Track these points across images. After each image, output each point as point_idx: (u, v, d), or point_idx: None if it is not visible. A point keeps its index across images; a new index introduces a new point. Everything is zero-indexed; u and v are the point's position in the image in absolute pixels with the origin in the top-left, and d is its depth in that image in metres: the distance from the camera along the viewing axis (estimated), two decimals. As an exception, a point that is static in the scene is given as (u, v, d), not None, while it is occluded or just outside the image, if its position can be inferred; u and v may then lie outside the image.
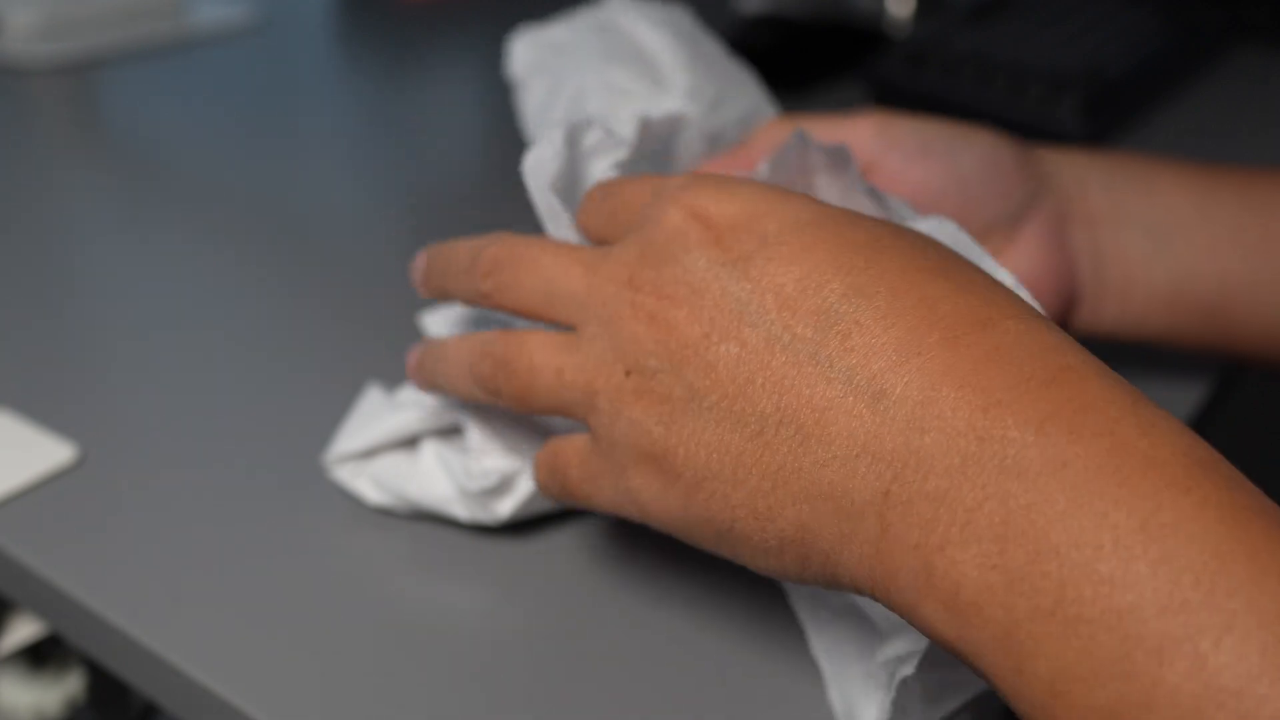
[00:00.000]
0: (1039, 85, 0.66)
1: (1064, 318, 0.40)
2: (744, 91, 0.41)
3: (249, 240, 0.55)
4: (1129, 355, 0.47)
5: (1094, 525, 0.21)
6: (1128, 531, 0.20)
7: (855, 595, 0.29)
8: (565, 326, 0.30)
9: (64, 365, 0.45)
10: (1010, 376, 0.23)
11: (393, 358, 0.45)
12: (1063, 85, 0.66)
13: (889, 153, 0.37)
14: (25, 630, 0.43)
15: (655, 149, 0.36)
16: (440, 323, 0.38)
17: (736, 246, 0.27)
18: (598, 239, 0.31)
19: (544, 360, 0.29)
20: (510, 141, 0.69)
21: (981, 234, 0.38)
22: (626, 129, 0.35)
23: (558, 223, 0.33)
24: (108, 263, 0.53)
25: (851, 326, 0.24)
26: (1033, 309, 0.25)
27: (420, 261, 0.35)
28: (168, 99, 0.72)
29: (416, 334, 0.47)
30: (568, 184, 0.34)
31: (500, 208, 0.59)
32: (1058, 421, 0.22)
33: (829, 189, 0.35)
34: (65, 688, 0.47)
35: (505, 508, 0.35)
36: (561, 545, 0.36)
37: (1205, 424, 0.47)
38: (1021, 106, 0.66)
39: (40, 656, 0.47)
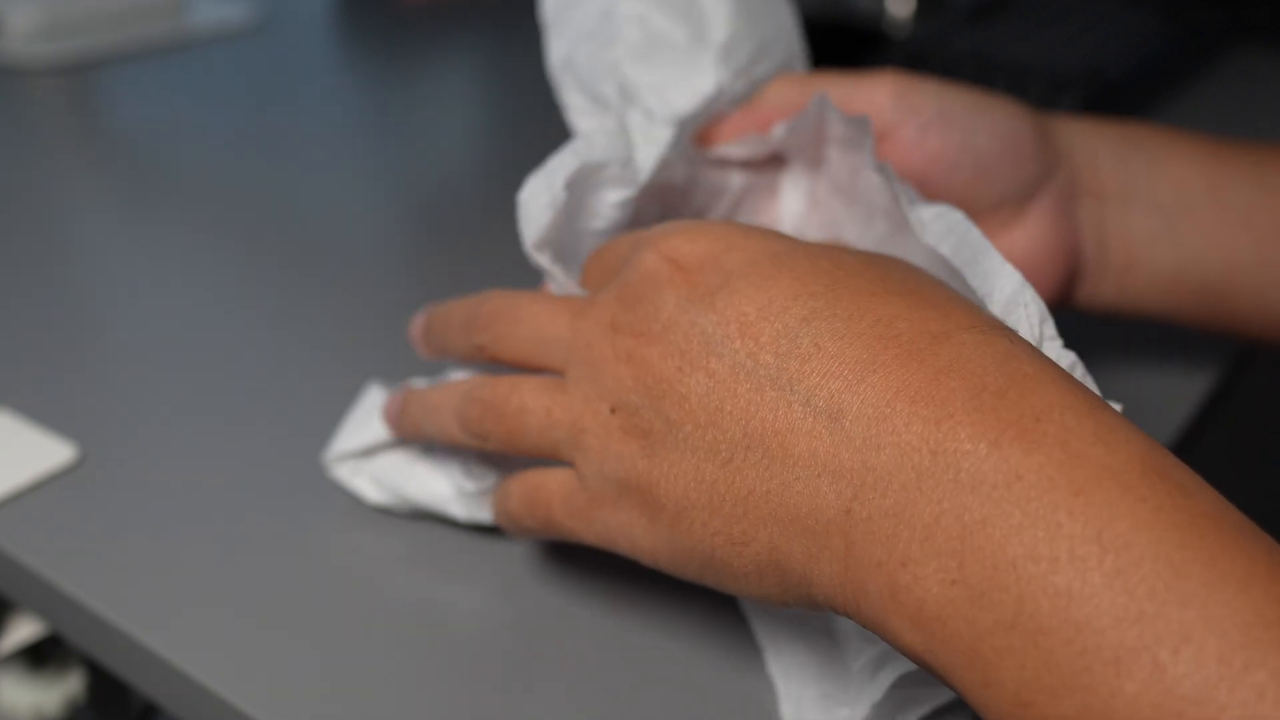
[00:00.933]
0: (1039, 85, 0.66)
1: (1064, 294, 0.40)
2: (783, 37, 0.39)
3: (249, 240, 0.55)
4: (1130, 353, 0.47)
5: (1049, 537, 0.21)
6: (1082, 542, 0.20)
7: (832, 616, 0.29)
8: (555, 373, 0.31)
9: (64, 365, 0.45)
10: (965, 389, 0.23)
11: (392, 358, 0.45)
12: (1063, 85, 0.66)
13: (905, 121, 0.37)
14: (25, 630, 0.43)
15: (684, 125, 0.35)
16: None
17: (704, 282, 0.27)
18: (592, 292, 0.32)
19: (533, 401, 0.30)
20: (510, 141, 0.69)
21: (993, 208, 0.38)
22: (650, 151, 0.34)
23: (551, 278, 0.33)
24: (108, 262, 0.53)
25: (810, 349, 0.25)
26: (992, 319, 0.25)
27: (419, 321, 0.36)
28: (167, 99, 0.72)
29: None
30: (567, 217, 0.33)
31: (500, 208, 0.59)
32: (1012, 432, 0.22)
33: (840, 162, 0.35)
34: (65, 688, 0.47)
35: None
36: (557, 546, 0.36)
37: (1208, 421, 0.47)
38: (1042, 96, 0.66)
39: (40, 656, 0.47)
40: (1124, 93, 0.69)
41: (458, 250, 0.55)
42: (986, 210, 0.38)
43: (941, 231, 0.30)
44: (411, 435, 0.35)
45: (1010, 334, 0.25)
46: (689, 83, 0.36)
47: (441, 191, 0.62)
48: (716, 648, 0.33)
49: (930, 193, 0.37)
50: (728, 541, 0.26)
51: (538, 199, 0.33)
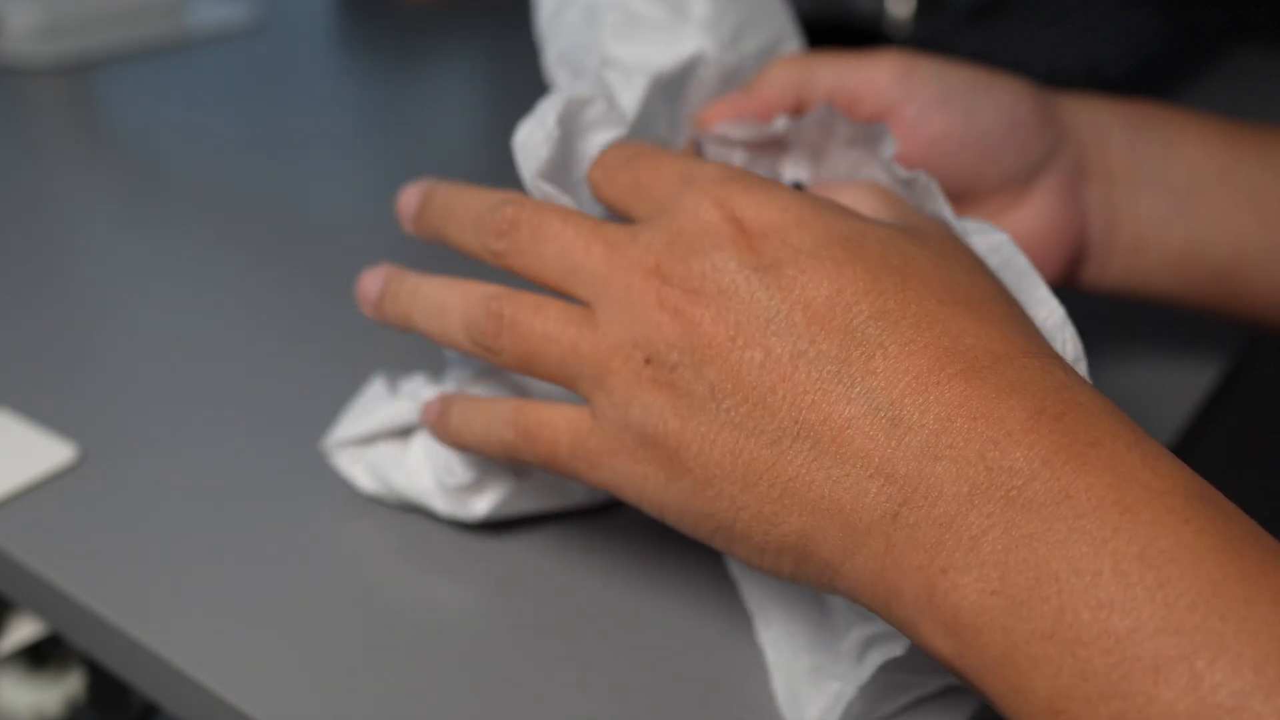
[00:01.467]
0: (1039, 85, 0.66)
1: (1069, 274, 0.40)
2: (769, 17, 0.39)
3: (249, 240, 0.55)
4: (1131, 352, 0.47)
5: (1093, 552, 0.21)
6: (1127, 558, 0.21)
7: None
8: (578, 301, 0.29)
9: (64, 365, 0.45)
10: (1023, 411, 0.23)
11: (390, 358, 0.45)
12: (1063, 85, 0.66)
13: (907, 101, 0.36)
14: (25, 630, 0.43)
15: (667, 87, 0.36)
16: None
17: (769, 253, 0.26)
18: (612, 206, 0.31)
19: (559, 330, 0.29)
20: (510, 141, 0.69)
21: (997, 188, 0.38)
22: (630, 96, 0.34)
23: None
24: (108, 262, 0.53)
25: (876, 349, 0.25)
26: (1048, 347, 0.26)
27: (412, 196, 0.34)
28: (167, 99, 0.72)
29: (415, 335, 0.47)
30: (561, 161, 0.33)
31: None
32: (1065, 454, 0.23)
33: (841, 157, 0.35)
34: (65, 688, 0.47)
35: (481, 506, 0.35)
36: (550, 542, 0.36)
37: (1208, 420, 0.47)
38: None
39: (40, 656, 0.47)
40: (1124, 93, 0.69)
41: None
42: (990, 190, 0.38)
43: (984, 250, 0.30)
44: (397, 319, 0.34)
45: (1065, 364, 0.26)
46: (668, 49, 0.36)
47: (441, 191, 0.62)
48: (712, 644, 0.33)
49: (932, 173, 0.36)
50: (754, 518, 0.26)
51: (533, 138, 0.32)
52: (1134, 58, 0.71)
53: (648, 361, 0.27)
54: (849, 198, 0.31)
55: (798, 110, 0.37)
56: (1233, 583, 0.20)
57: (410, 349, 0.46)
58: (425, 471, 0.36)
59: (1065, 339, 0.28)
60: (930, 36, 0.72)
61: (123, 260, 0.53)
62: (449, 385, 0.36)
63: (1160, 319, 0.50)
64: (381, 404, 0.37)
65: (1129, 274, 0.40)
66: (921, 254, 0.27)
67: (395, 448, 0.37)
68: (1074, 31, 0.74)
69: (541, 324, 0.29)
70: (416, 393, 0.37)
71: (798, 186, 0.32)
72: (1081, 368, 0.27)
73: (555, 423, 0.30)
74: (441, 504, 0.35)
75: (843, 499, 0.24)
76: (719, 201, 0.27)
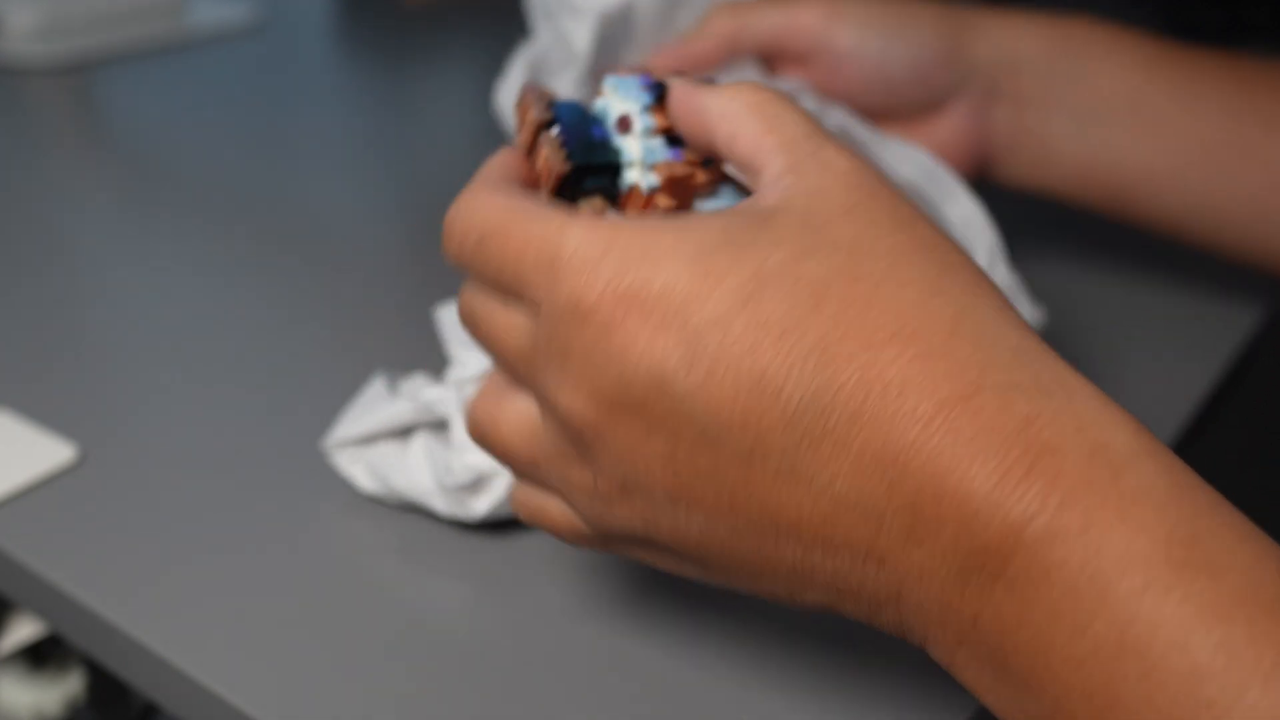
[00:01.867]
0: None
1: (976, 174, 0.46)
2: None
3: (249, 239, 0.55)
4: (1130, 351, 0.47)
5: (1074, 638, 0.20)
6: (1108, 644, 0.20)
7: None
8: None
9: (64, 365, 0.45)
10: (987, 477, 0.21)
11: (390, 358, 0.45)
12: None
13: (826, 49, 0.42)
14: (25, 630, 0.43)
15: (614, 33, 0.37)
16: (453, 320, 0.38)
17: (673, 336, 0.23)
18: (479, 276, 0.27)
19: (516, 445, 0.28)
20: (509, 140, 0.69)
21: (903, 117, 0.45)
22: (581, 36, 0.37)
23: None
24: (107, 262, 0.53)
25: (821, 438, 0.22)
26: (1001, 349, 0.23)
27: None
28: (167, 99, 0.72)
29: (415, 335, 0.47)
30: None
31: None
32: (1036, 527, 0.21)
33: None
34: (65, 688, 0.47)
35: (481, 506, 0.35)
36: (550, 542, 0.36)
37: (1208, 420, 0.47)
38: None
39: (40, 656, 0.47)
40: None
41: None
42: (904, 116, 0.44)
43: (899, 159, 0.34)
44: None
45: (1024, 373, 0.22)
46: None
47: (441, 190, 0.62)
48: (711, 645, 0.33)
49: (854, 105, 0.43)
50: (774, 594, 0.25)
51: (509, 96, 0.35)
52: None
53: (597, 479, 0.25)
54: (725, 98, 0.27)
55: (733, 55, 0.43)
56: (1221, 663, 0.19)
57: (410, 349, 0.46)
58: (425, 471, 0.36)
59: (976, 233, 0.28)
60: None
61: (123, 260, 0.53)
62: (449, 385, 0.36)
63: (1158, 319, 0.50)
64: (381, 404, 0.37)
65: (1031, 181, 0.46)
66: (833, 277, 0.23)
67: (395, 448, 0.37)
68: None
69: (499, 439, 0.28)
70: (416, 393, 0.37)
71: (660, 86, 0.30)
72: (999, 253, 0.28)
73: (550, 514, 0.29)
74: (441, 504, 0.35)
75: (848, 582, 0.23)
76: (592, 278, 0.24)
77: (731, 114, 0.27)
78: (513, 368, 0.27)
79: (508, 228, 0.25)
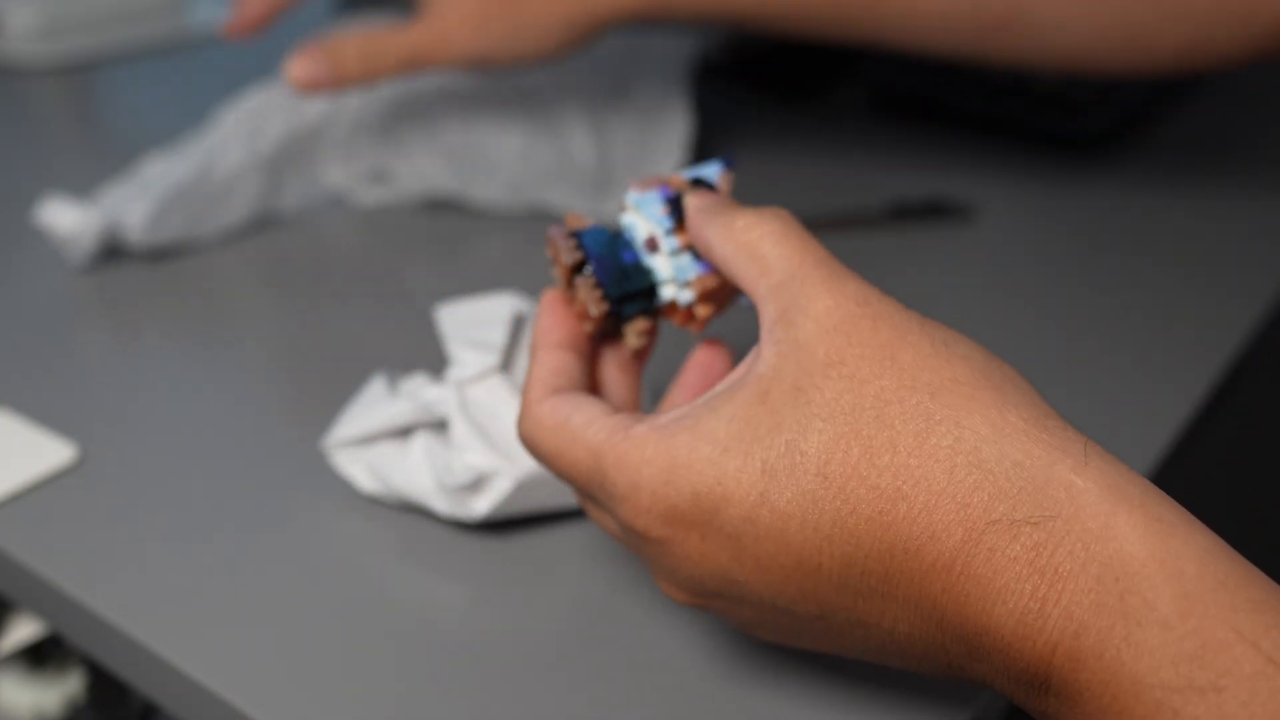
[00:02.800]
0: (1040, 87, 0.66)
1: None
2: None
3: (248, 240, 0.55)
4: (1129, 351, 0.47)
5: None
6: None
7: None
8: None
9: (64, 365, 0.45)
10: (1009, 623, 0.23)
11: (390, 358, 0.45)
12: (1063, 87, 0.66)
13: None
14: (25, 630, 0.43)
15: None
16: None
17: (716, 541, 0.26)
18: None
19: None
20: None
21: None
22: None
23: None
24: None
25: (869, 591, 0.25)
26: (1018, 477, 0.23)
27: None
28: (167, 99, 0.72)
29: (415, 335, 0.47)
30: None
31: (497, 204, 0.59)
32: (1063, 656, 0.22)
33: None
34: (65, 688, 0.47)
35: (481, 506, 0.35)
36: (551, 542, 0.36)
37: (1208, 421, 0.47)
38: (1022, 108, 0.66)
39: (40, 656, 0.47)
40: (1125, 93, 0.69)
41: (457, 247, 0.55)
42: None
43: None
44: None
45: (1016, 496, 0.23)
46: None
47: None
48: (711, 645, 0.33)
49: None
50: (873, 658, 0.27)
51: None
52: (1134, 58, 0.71)
53: (687, 589, 0.28)
54: (723, 239, 0.29)
55: None
56: None
57: (410, 349, 0.46)
58: (425, 471, 0.36)
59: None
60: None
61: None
62: (449, 385, 0.36)
63: (1157, 320, 0.50)
64: (381, 404, 0.37)
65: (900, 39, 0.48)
66: (830, 450, 0.25)
67: (395, 448, 0.37)
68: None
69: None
70: (416, 393, 0.37)
71: (679, 202, 0.31)
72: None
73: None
74: (441, 504, 0.35)
75: (930, 668, 0.26)
76: (644, 516, 0.27)
77: (730, 257, 0.28)
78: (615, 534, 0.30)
79: (558, 456, 0.28)
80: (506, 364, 0.37)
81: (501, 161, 0.57)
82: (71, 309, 0.49)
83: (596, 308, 0.30)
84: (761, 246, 0.28)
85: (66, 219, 0.50)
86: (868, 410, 0.25)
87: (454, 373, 0.36)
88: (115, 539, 0.36)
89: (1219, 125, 0.71)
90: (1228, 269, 0.54)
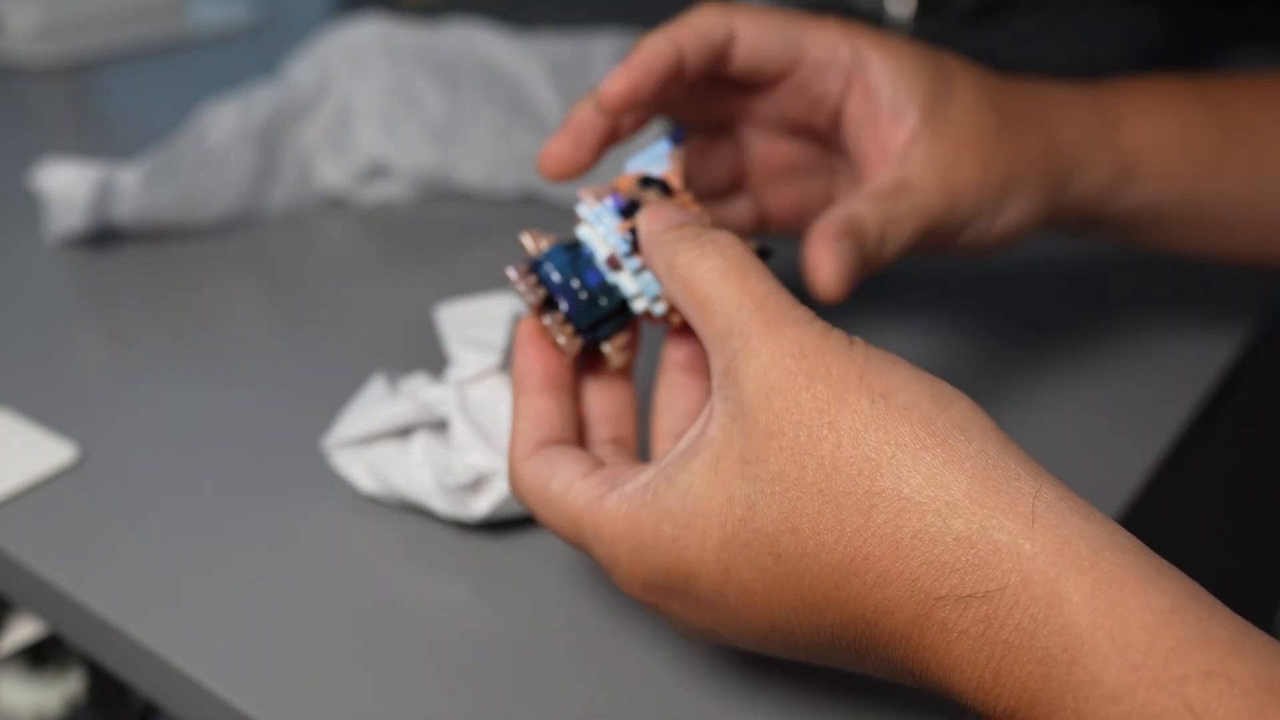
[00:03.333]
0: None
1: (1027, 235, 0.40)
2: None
3: (248, 240, 0.55)
4: (1131, 351, 0.47)
5: None
6: None
7: None
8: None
9: (64, 365, 0.45)
10: (965, 674, 0.23)
11: (390, 358, 0.45)
12: (1063, 85, 0.66)
13: (859, 78, 0.36)
14: (25, 630, 0.43)
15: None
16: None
17: (694, 607, 0.27)
18: None
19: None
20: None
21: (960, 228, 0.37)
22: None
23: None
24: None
25: (848, 651, 0.25)
26: (963, 552, 0.23)
27: None
28: (167, 99, 0.72)
29: (414, 335, 0.47)
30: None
31: (497, 204, 0.59)
32: (1019, 718, 0.23)
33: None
34: (65, 688, 0.47)
35: (481, 506, 0.35)
36: (550, 542, 0.36)
37: (1207, 422, 0.47)
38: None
39: (40, 656, 0.47)
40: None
41: (457, 246, 0.55)
42: (955, 232, 0.37)
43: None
44: None
45: (979, 577, 0.23)
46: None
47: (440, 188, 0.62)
48: (708, 647, 0.33)
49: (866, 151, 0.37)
50: (837, 665, 0.27)
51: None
52: (1134, 58, 0.71)
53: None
54: (672, 277, 0.28)
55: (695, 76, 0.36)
56: None
57: (410, 349, 0.46)
58: (425, 471, 0.36)
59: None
60: (930, 37, 0.72)
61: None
62: (449, 385, 0.36)
63: (1155, 323, 0.50)
64: (381, 404, 0.37)
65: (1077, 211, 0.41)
66: (780, 531, 0.25)
67: (395, 448, 0.37)
68: (1074, 31, 0.74)
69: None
70: (416, 393, 0.37)
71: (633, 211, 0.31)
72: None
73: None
74: (441, 504, 0.35)
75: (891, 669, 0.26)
76: (623, 578, 0.28)
77: (675, 297, 0.28)
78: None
79: (544, 518, 0.29)
80: (506, 364, 0.37)
81: (484, 140, 0.58)
82: (72, 309, 0.49)
83: (571, 344, 0.30)
84: (701, 288, 0.27)
85: (61, 177, 0.50)
86: (810, 485, 0.24)
87: (454, 373, 0.36)
88: (115, 539, 0.36)
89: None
90: (1226, 271, 0.54)
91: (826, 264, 0.33)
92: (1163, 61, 0.74)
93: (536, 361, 0.31)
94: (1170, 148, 0.41)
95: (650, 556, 0.27)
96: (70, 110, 0.72)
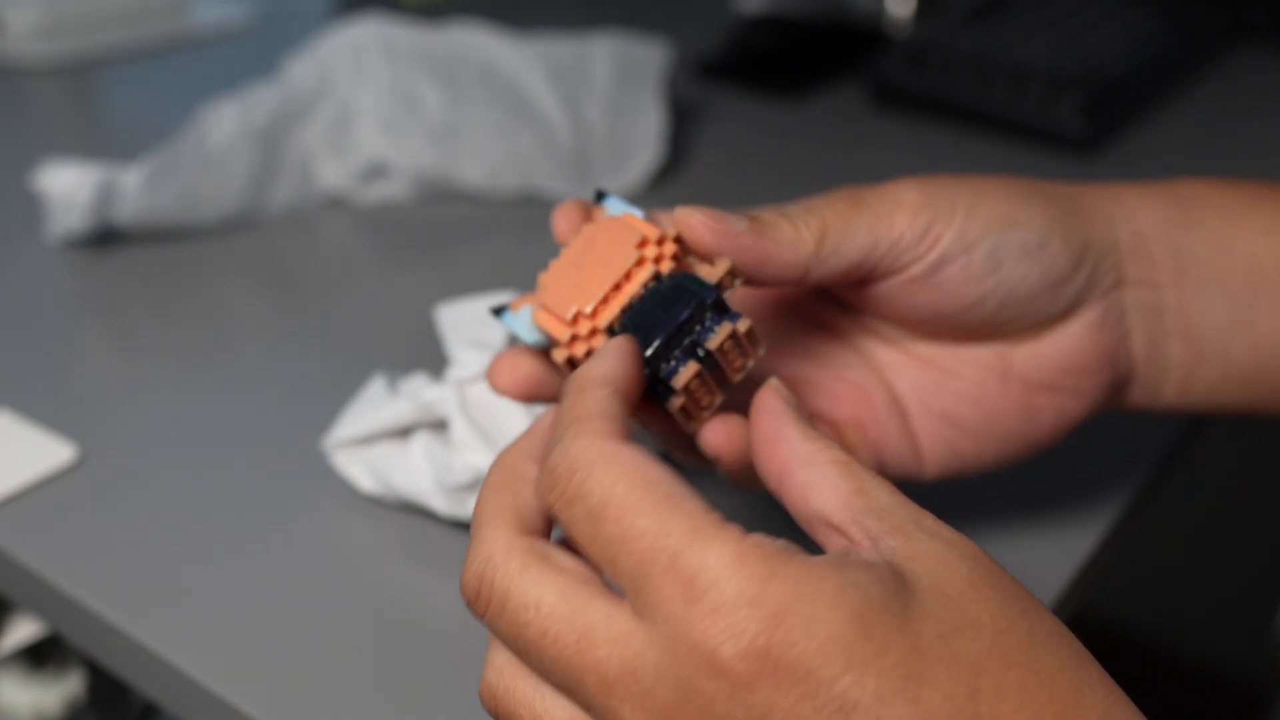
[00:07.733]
0: (1039, 85, 0.66)
1: (1113, 400, 0.34)
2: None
3: (247, 240, 0.55)
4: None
5: None
6: None
7: None
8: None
9: (64, 365, 0.45)
10: None
11: (390, 358, 0.45)
12: (1063, 85, 0.66)
13: (924, 256, 0.30)
14: (25, 630, 0.43)
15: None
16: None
17: (819, 705, 0.20)
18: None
19: None
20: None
21: (1022, 329, 0.32)
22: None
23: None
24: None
25: None
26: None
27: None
28: (167, 99, 0.72)
29: (414, 335, 0.47)
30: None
31: (496, 204, 0.59)
32: None
33: None
34: (65, 688, 0.47)
35: None
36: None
37: (1206, 423, 0.47)
38: (1021, 106, 0.66)
39: (40, 656, 0.47)
40: (1124, 93, 0.69)
41: (457, 245, 0.55)
42: (1014, 332, 0.32)
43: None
44: None
45: None
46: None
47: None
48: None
49: (944, 327, 0.32)
50: None
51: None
52: (1134, 58, 0.71)
53: None
54: (810, 449, 0.24)
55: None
56: None
57: (410, 349, 0.46)
58: (425, 471, 0.36)
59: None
60: (930, 36, 0.72)
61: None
62: (449, 385, 0.36)
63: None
64: (381, 404, 0.37)
65: (1187, 393, 0.34)
66: (985, 659, 0.21)
67: (395, 448, 0.37)
68: (1074, 31, 0.74)
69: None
70: (416, 393, 0.37)
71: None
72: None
73: None
74: (441, 504, 0.35)
75: None
76: (691, 647, 0.21)
77: (812, 461, 0.24)
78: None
79: (637, 508, 0.21)
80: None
81: (484, 139, 0.58)
82: (72, 309, 0.49)
83: (712, 395, 0.27)
84: (858, 464, 0.24)
85: (62, 178, 0.50)
86: (1023, 637, 0.22)
87: (454, 372, 0.36)
88: (115, 539, 0.36)
89: (1215, 124, 0.71)
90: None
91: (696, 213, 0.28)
92: (1162, 61, 0.74)
93: (620, 365, 0.25)
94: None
95: (805, 628, 0.20)
96: (70, 110, 0.72)
